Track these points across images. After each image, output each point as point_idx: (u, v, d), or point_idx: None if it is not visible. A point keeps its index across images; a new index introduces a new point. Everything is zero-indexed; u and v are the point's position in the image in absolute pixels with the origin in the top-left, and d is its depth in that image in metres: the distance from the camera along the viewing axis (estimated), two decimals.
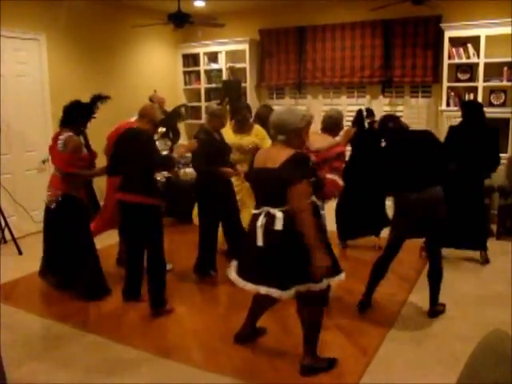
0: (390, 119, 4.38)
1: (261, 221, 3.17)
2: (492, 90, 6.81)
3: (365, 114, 5.58)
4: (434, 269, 4.14)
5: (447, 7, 6.91)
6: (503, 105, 6.72)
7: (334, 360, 3.46)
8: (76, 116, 4.46)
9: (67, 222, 4.48)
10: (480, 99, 6.72)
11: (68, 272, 4.63)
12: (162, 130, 5.35)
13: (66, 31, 7.06)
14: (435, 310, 4.20)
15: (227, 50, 8.70)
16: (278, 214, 3.10)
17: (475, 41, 6.72)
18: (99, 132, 5.04)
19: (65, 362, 3.58)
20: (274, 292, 3.14)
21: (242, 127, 5.43)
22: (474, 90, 6.83)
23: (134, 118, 4.87)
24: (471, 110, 5.35)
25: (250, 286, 3.27)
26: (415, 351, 3.65)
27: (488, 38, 6.59)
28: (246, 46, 8.48)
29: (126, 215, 4.31)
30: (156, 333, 3.99)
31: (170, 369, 3.48)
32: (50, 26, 6.82)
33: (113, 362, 3.58)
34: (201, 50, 8.97)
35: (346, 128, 5.71)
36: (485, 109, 6.61)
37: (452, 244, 5.36)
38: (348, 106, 8.08)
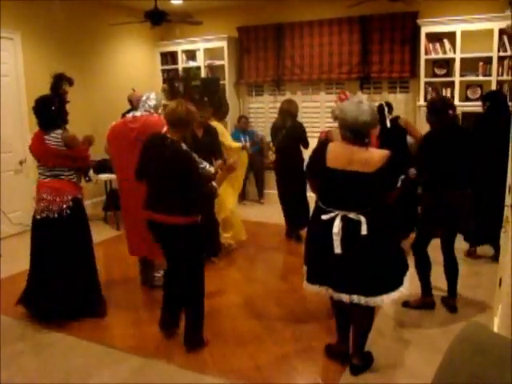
0: (450, 106, 3.99)
1: (337, 227, 2.97)
2: (468, 85, 6.88)
3: (386, 109, 5.22)
4: (450, 262, 4.12)
5: (423, 3, 6.97)
6: (479, 99, 6.78)
7: (371, 355, 3.43)
8: (55, 113, 4.08)
9: (82, 230, 4.15)
10: (457, 94, 6.81)
11: (74, 292, 4.11)
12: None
13: (41, 29, 6.96)
14: (455, 304, 4.17)
15: (205, 47, 8.66)
16: (363, 219, 2.95)
17: (451, 36, 6.79)
18: (78, 130, 4.98)
19: (44, 366, 3.54)
20: (359, 299, 3.04)
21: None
22: (451, 84, 6.91)
23: (131, 115, 4.69)
24: (496, 101, 5.08)
25: (330, 292, 3.15)
26: (397, 342, 3.69)
27: (464, 33, 6.66)
28: (224, 44, 8.45)
29: (161, 236, 3.65)
30: (138, 333, 3.97)
31: (154, 369, 3.47)
32: (26, 24, 6.73)
33: (93, 364, 3.55)
34: (179, 47, 8.93)
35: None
36: (461, 103, 6.75)
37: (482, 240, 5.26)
38: (326, 103, 8.10)
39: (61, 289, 4.06)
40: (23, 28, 6.69)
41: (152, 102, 4.52)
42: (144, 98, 4.59)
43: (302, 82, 8.29)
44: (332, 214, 3.00)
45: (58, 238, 4.05)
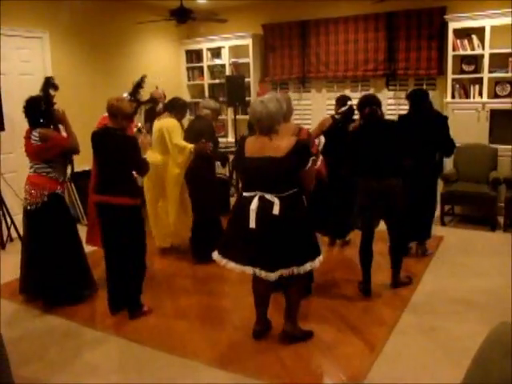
0: (368, 102, 4.40)
1: (254, 204, 3.33)
2: (497, 82, 6.75)
3: (345, 109, 5.52)
4: (394, 245, 4.49)
5: None
6: (509, 96, 6.66)
7: (310, 332, 3.75)
8: (40, 113, 4.27)
9: (56, 223, 4.34)
10: (485, 90, 6.71)
11: (58, 283, 4.36)
12: (137, 124, 5.23)
13: (69, 29, 7.07)
14: (398, 280, 4.51)
15: (230, 45, 8.68)
16: (276, 200, 3.30)
17: (480, 32, 6.67)
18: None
19: (71, 360, 3.58)
20: (260, 272, 3.36)
21: None
22: (479, 81, 6.79)
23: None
24: (417, 99, 5.28)
25: (231, 265, 3.47)
26: (422, 345, 3.64)
27: (493, 28, 6.53)
28: (249, 41, 8.46)
29: (107, 217, 4.11)
30: (160, 328, 4.00)
31: (176, 365, 3.48)
32: (53, 23, 6.84)
33: (118, 358, 3.59)
34: (204, 45, 8.96)
35: (327, 116, 5.77)
36: (490, 100, 6.64)
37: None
38: (352, 100, 8.03)
39: (44, 277, 4.35)
40: (51, 27, 6.80)
41: None
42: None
43: (328, 80, 8.24)
44: (252, 194, 3.38)
45: (35, 229, 4.37)
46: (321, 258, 3.50)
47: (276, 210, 3.28)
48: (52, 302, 4.37)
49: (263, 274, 3.34)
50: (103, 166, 4.10)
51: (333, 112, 5.76)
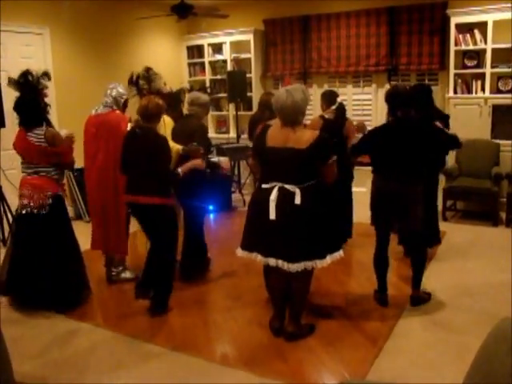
0: (403, 103, 3.94)
1: (274, 195, 3.33)
2: (500, 77, 6.73)
3: (335, 107, 5.17)
4: (417, 255, 4.14)
5: None
6: (511, 91, 6.63)
7: (312, 326, 3.75)
8: (38, 111, 4.13)
9: (62, 225, 4.23)
10: (487, 85, 6.68)
11: (57, 284, 4.18)
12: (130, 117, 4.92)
13: (69, 25, 7.06)
14: (418, 296, 4.14)
15: (232, 40, 8.66)
16: (297, 190, 3.30)
17: (482, 26, 6.64)
18: None
19: (73, 358, 3.57)
20: (282, 264, 3.34)
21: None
22: (482, 76, 6.76)
23: (101, 111, 4.63)
24: (420, 94, 4.91)
25: (259, 258, 3.46)
26: (424, 341, 3.64)
27: (495, 23, 6.50)
28: (250, 37, 8.44)
29: (139, 217, 4.13)
30: (165, 327, 3.99)
31: (181, 362, 3.48)
32: (54, 19, 6.83)
33: (122, 356, 3.58)
34: (205, 41, 8.94)
35: (315, 117, 5.51)
36: (492, 95, 6.61)
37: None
38: (354, 95, 8.04)
39: (43, 281, 4.13)
40: (52, 23, 6.80)
41: (109, 99, 4.62)
42: (107, 92, 4.65)
43: (329, 75, 8.21)
44: (271, 185, 3.38)
45: (38, 233, 4.14)
46: (341, 252, 3.50)
47: (298, 200, 3.29)
48: (51, 307, 4.21)
49: (285, 265, 3.33)
50: (134, 165, 3.98)
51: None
